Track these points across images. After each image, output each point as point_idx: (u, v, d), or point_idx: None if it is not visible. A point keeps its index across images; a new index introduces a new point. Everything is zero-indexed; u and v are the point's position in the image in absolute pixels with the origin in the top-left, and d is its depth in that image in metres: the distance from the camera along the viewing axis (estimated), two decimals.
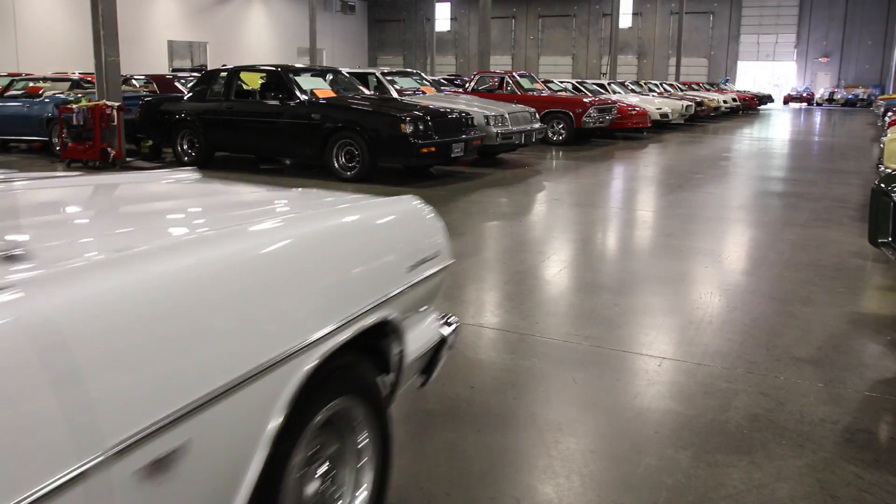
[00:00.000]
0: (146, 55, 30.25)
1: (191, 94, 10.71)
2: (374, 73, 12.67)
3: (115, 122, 10.35)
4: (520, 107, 11.83)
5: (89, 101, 10.57)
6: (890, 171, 5.86)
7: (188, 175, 2.41)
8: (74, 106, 10.41)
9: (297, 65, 11.10)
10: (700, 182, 9.65)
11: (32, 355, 1.00)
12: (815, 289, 4.64)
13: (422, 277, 2.03)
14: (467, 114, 9.89)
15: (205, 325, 1.29)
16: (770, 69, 44.94)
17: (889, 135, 7.60)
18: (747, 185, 9.65)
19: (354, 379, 1.78)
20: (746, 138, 17.62)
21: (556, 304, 4.32)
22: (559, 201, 8.09)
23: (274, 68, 9.98)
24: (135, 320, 1.17)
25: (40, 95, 12.41)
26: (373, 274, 1.84)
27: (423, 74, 14.21)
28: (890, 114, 15.07)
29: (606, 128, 15.52)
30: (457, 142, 9.31)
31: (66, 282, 1.13)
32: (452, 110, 9.77)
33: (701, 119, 22.96)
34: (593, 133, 15.79)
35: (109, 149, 10.34)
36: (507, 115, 11.00)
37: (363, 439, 1.83)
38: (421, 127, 8.82)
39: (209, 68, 18.00)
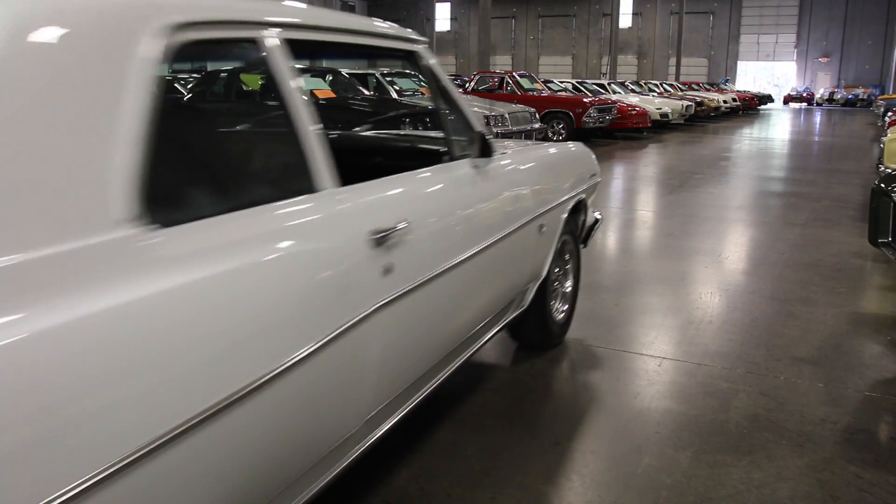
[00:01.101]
0: None
1: (191, 94, 10.72)
2: (373, 74, 12.67)
3: None
4: (520, 107, 11.84)
5: None
6: (890, 171, 5.86)
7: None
8: None
9: (297, 65, 11.10)
10: (700, 182, 9.65)
11: None
12: (815, 289, 4.64)
13: (593, 182, 3.72)
14: None
15: (550, 180, 3.11)
16: (770, 69, 44.98)
17: (889, 135, 7.60)
18: (747, 185, 9.66)
19: (572, 226, 3.48)
20: (746, 138, 17.63)
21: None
22: None
23: None
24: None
25: None
26: (580, 175, 3.52)
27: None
28: (890, 114, 15.08)
29: (606, 128, 15.53)
30: None
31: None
32: None
33: (701, 119, 22.98)
34: (593, 133, 15.80)
35: None
36: (507, 116, 11.01)
37: (569, 259, 3.61)
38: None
39: (209, 69, 17.98)
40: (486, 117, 10.64)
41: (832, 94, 39.78)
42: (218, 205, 1.44)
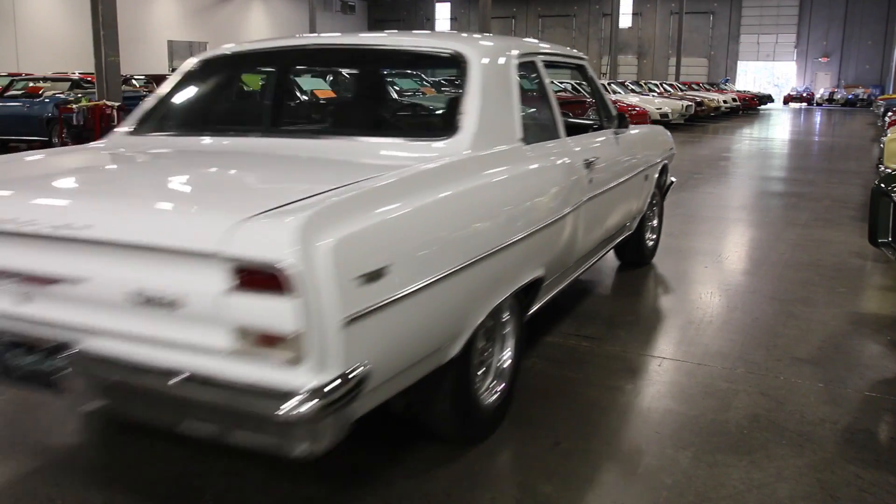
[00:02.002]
0: (146, 55, 30.26)
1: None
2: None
3: (115, 122, 10.36)
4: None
5: (89, 101, 10.58)
6: (890, 171, 5.86)
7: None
8: (74, 106, 10.42)
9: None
10: (700, 182, 9.65)
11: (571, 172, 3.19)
12: (815, 289, 4.64)
13: (671, 153, 5.16)
14: None
15: (650, 147, 4.65)
16: (770, 69, 44.97)
17: (889, 135, 7.59)
18: (747, 185, 9.66)
19: (660, 181, 4.93)
20: (746, 138, 17.63)
21: (556, 303, 4.32)
22: None
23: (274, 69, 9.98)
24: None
25: (40, 95, 12.41)
26: (664, 147, 5.00)
27: (423, 75, 14.20)
28: (890, 114, 15.07)
29: None
30: None
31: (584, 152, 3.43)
32: None
33: (701, 119, 22.97)
34: None
35: None
36: None
37: (656, 205, 5.02)
38: None
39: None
40: None
41: (832, 94, 39.75)
42: (534, 139, 2.98)
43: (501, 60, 2.90)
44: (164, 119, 3.15)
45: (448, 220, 2.17)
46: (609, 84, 20.90)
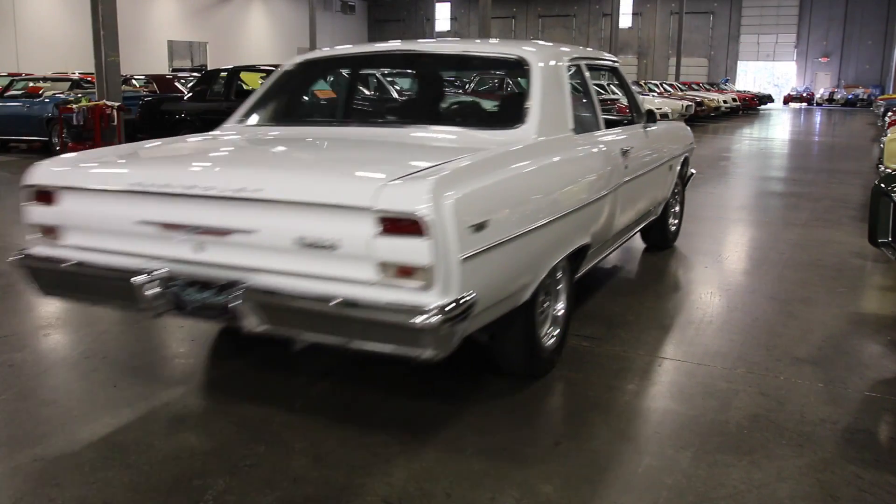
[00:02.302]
0: (146, 55, 30.25)
1: (191, 94, 10.71)
2: (374, 74, 12.67)
3: (115, 122, 10.36)
4: None
5: (89, 101, 10.57)
6: (890, 171, 5.86)
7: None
8: (74, 106, 10.41)
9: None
10: (700, 182, 9.64)
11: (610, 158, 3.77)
12: (815, 289, 4.64)
13: (692, 148, 5.69)
14: None
15: (673, 140, 5.21)
16: (770, 69, 44.96)
17: (889, 135, 7.59)
18: (747, 184, 9.66)
19: (681, 172, 5.51)
20: (746, 138, 17.62)
21: None
22: None
23: (274, 68, 9.98)
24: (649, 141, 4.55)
25: (40, 95, 12.41)
26: (686, 141, 5.52)
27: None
28: (890, 114, 15.06)
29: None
30: None
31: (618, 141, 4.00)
32: None
33: (701, 119, 22.97)
34: None
35: None
36: None
37: (678, 193, 5.63)
38: None
39: (209, 68, 17.98)
40: None
41: (832, 94, 39.72)
42: (581, 129, 3.54)
43: (555, 64, 3.53)
44: (271, 111, 3.87)
45: (526, 190, 2.81)
46: (609, 84, 20.89)
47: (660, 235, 5.48)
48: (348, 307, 2.31)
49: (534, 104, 3.24)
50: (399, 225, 2.22)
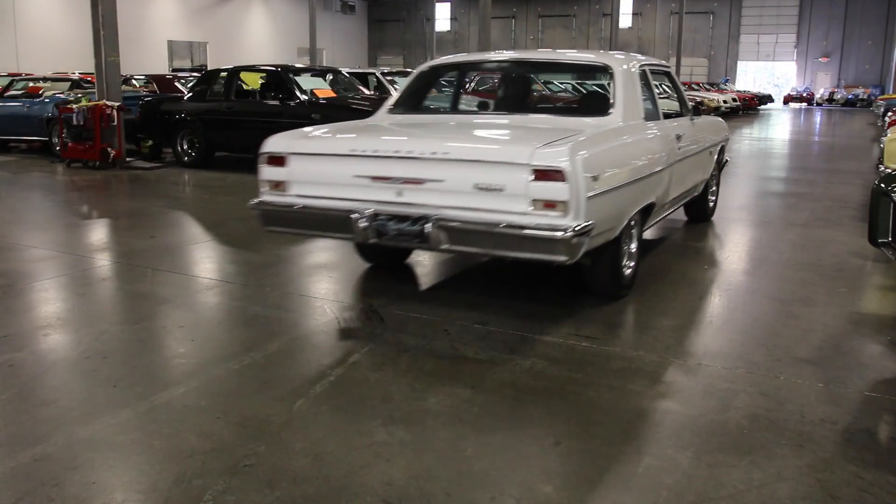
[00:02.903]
0: (146, 55, 30.24)
1: (191, 94, 10.71)
2: (374, 73, 12.67)
3: (115, 122, 10.35)
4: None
5: (89, 101, 10.57)
6: (890, 171, 5.85)
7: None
8: (74, 106, 10.41)
9: (297, 65, 11.10)
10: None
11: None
12: (815, 289, 4.64)
13: (727, 138, 6.85)
14: None
15: (713, 131, 6.37)
16: (770, 69, 44.93)
17: (889, 135, 7.60)
18: (747, 184, 9.65)
19: (718, 159, 6.61)
20: (746, 138, 17.61)
21: (557, 303, 4.31)
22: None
23: (274, 68, 9.99)
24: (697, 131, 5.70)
25: (40, 95, 12.40)
26: (722, 131, 6.70)
27: None
28: (890, 114, 15.06)
29: None
30: None
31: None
32: None
33: None
34: None
35: (109, 149, 10.33)
36: None
37: (714, 176, 6.60)
38: None
39: (209, 68, 17.98)
40: None
41: (832, 94, 39.70)
42: (648, 118, 4.64)
43: (630, 68, 4.70)
44: (413, 103, 5.11)
45: (619, 157, 4.04)
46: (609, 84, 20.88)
47: (700, 210, 6.57)
48: (512, 228, 3.47)
49: (618, 99, 4.47)
50: (547, 174, 3.43)
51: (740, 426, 2.76)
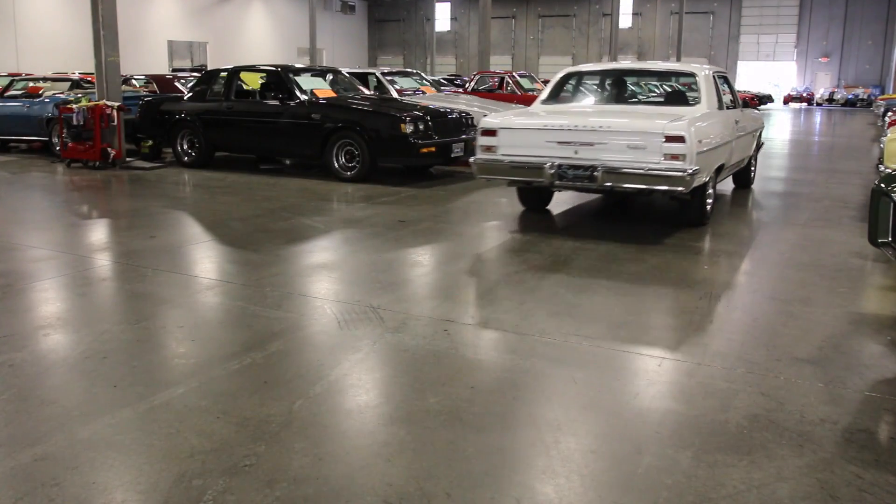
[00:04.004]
0: (146, 55, 30.25)
1: (191, 94, 10.71)
2: (374, 73, 12.67)
3: (115, 122, 10.35)
4: (520, 107, 11.83)
5: (89, 101, 10.56)
6: (890, 171, 5.85)
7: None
8: (74, 106, 10.40)
9: (297, 65, 11.09)
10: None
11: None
12: (815, 289, 4.64)
13: (762, 126, 9.34)
14: (467, 114, 9.89)
15: (755, 120, 8.76)
16: (770, 69, 44.93)
17: (889, 135, 7.59)
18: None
19: (758, 143, 9.16)
20: None
21: (557, 303, 4.32)
22: (559, 201, 8.09)
23: (274, 68, 9.98)
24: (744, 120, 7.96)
25: (40, 95, 12.40)
26: (760, 122, 9.12)
27: (423, 74, 14.21)
28: (890, 114, 15.06)
29: None
30: (457, 142, 9.31)
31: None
32: (452, 110, 9.76)
33: None
34: None
35: (109, 149, 10.33)
36: None
37: (754, 155, 9.09)
38: (421, 127, 8.82)
39: (209, 68, 17.98)
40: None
41: (832, 94, 39.70)
42: (719, 108, 6.89)
43: (708, 74, 6.88)
44: (558, 97, 7.39)
45: (710, 130, 6.04)
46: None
47: (745, 179, 8.97)
48: (653, 170, 5.67)
49: (702, 94, 6.70)
50: (674, 139, 5.60)
51: (740, 426, 2.76)
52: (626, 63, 8.24)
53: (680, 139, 5.58)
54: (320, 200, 7.88)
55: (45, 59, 26.16)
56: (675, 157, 5.60)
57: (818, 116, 29.63)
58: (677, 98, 7.62)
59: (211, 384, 3.14)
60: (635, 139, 5.74)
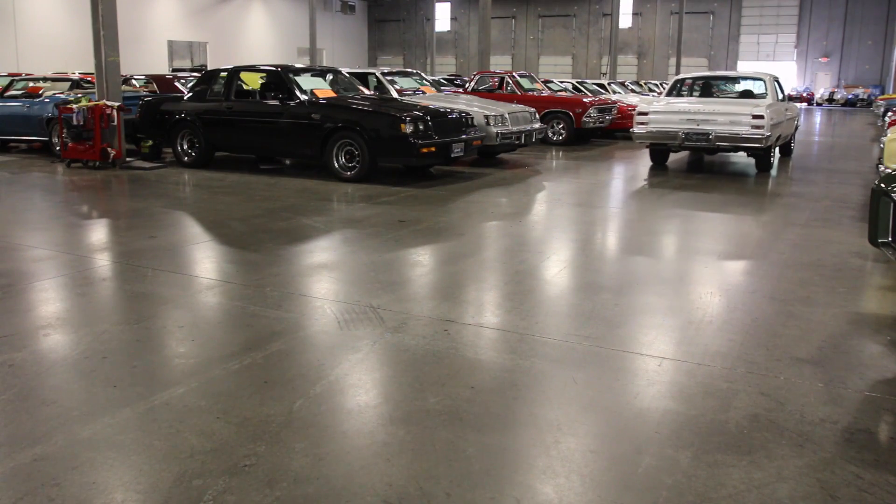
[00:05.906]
0: (146, 55, 30.25)
1: (191, 94, 10.71)
2: (374, 73, 12.67)
3: (115, 122, 10.35)
4: (520, 107, 11.84)
5: (89, 101, 10.56)
6: (890, 171, 5.85)
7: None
8: (74, 106, 10.40)
9: (297, 65, 11.08)
10: (700, 181, 9.64)
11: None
12: (815, 289, 4.64)
13: (799, 114, 13.81)
14: (467, 114, 9.89)
15: (794, 109, 12.81)
16: (770, 69, 44.89)
17: (889, 135, 7.59)
18: (747, 184, 9.65)
19: (795, 125, 13.41)
20: None
21: (556, 303, 4.32)
22: (559, 201, 8.09)
23: (274, 68, 9.98)
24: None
25: (40, 95, 12.39)
26: (796, 111, 12.89)
27: (423, 74, 14.20)
28: (890, 114, 15.06)
29: (606, 128, 15.52)
30: (457, 142, 9.31)
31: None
32: (452, 110, 9.76)
33: None
34: (593, 133, 15.78)
35: (109, 149, 10.33)
36: (507, 115, 11.00)
37: (792, 134, 13.71)
38: (421, 127, 8.81)
39: (209, 68, 17.99)
40: (486, 117, 10.65)
41: (832, 94, 39.70)
42: (778, 99, 11.21)
43: (770, 78, 10.98)
44: (677, 93, 11.70)
45: (775, 113, 10.24)
46: (609, 84, 20.91)
47: (787, 149, 12.78)
48: (744, 135, 9.83)
49: (768, 91, 10.65)
50: (757, 116, 9.75)
51: (740, 426, 2.76)
52: (718, 72, 13.66)
53: (760, 117, 9.57)
54: (320, 200, 7.88)
55: (45, 59, 26.16)
56: (758, 127, 9.59)
57: (818, 116, 29.63)
58: (751, 94, 11.46)
59: (211, 384, 3.14)
60: (735, 117, 9.81)
